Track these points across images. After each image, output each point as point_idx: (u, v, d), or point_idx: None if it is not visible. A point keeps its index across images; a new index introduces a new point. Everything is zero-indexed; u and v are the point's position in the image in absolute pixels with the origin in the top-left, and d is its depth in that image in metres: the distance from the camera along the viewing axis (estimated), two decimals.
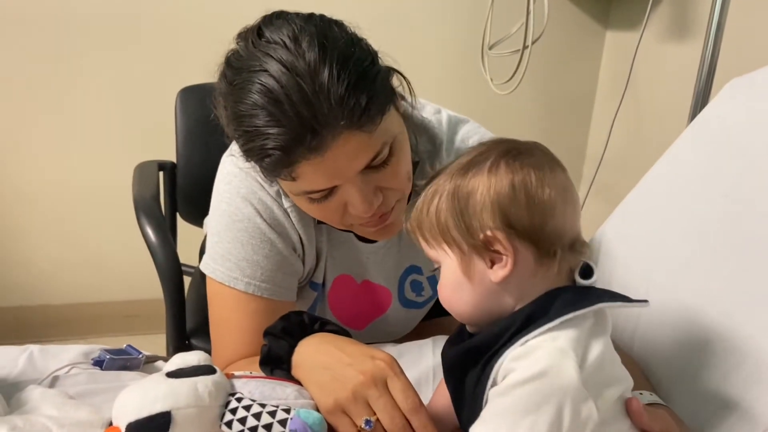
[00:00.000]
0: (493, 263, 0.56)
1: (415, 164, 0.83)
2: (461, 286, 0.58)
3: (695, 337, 0.74)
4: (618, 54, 2.08)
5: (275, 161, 0.65)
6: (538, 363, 0.50)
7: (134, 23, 1.79)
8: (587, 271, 0.58)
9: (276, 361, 0.65)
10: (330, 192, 0.71)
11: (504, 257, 0.56)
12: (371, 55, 0.69)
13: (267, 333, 0.68)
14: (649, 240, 0.89)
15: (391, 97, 0.71)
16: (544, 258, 0.56)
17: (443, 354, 0.64)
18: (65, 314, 2.00)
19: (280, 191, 0.82)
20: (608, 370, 0.55)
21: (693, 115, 1.39)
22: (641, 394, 0.69)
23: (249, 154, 0.69)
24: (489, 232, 0.55)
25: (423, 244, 0.62)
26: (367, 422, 0.57)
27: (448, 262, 0.59)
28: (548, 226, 0.56)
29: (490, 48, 1.90)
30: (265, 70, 0.64)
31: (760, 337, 0.68)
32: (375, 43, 0.72)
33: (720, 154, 0.87)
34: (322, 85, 0.63)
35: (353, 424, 0.59)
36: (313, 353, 0.65)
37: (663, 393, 0.74)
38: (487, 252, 0.56)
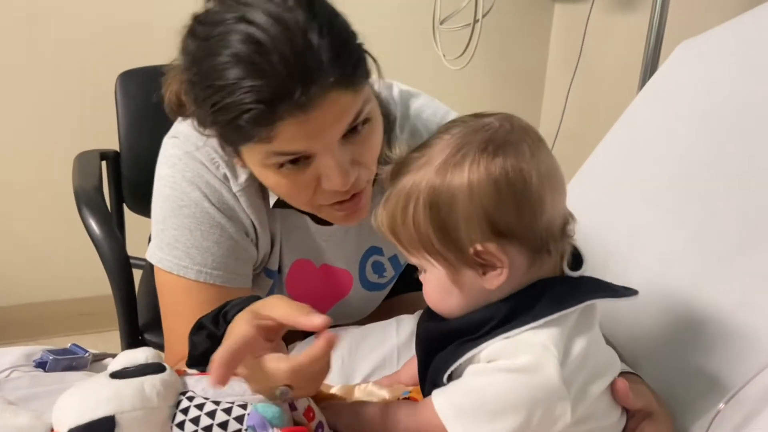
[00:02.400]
0: (485, 272, 0.53)
1: None
2: (450, 293, 0.55)
3: (656, 303, 0.74)
4: (567, 26, 2.08)
5: (256, 117, 0.60)
6: (519, 357, 0.50)
7: (70, 6, 1.70)
8: (577, 261, 0.56)
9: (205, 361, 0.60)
10: (304, 161, 0.66)
11: (499, 268, 0.52)
12: (351, 26, 0.67)
13: (191, 365, 0.62)
14: (607, 206, 0.89)
15: (368, 69, 0.69)
16: (537, 255, 0.53)
17: (419, 325, 0.62)
18: (11, 316, 1.92)
19: (228, 174, 0.77)
20: (592, 364, 0.54)
21: (643, 81, 1.40)
22: None
23: (222, 112, 0.62)
24: (479, 246, 0.51)
25: (401, 249, 0.57)
26: (283, 392, 0.52)
27: (434, 272, 0.55)
28: (539, 222, 0.52)
29: (441, 23, 1.88)
30: (250, 21, 0.60)
31: (722, 297, 0.68)
32: None
33: (673, 116, 0.87)
34: (311, 42, 0.60)
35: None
36: None
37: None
38: (479, 263, 0.53)
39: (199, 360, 0.61)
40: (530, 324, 0.51)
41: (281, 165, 0.66)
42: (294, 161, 0.66)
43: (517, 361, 0.50)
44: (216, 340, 0.60)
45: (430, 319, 0.60)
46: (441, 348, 0.56)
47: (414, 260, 0.57)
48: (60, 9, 1.69)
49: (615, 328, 0.77)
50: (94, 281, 1.62)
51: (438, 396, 0.54)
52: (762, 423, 0.58)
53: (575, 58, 1.92)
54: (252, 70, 0.59)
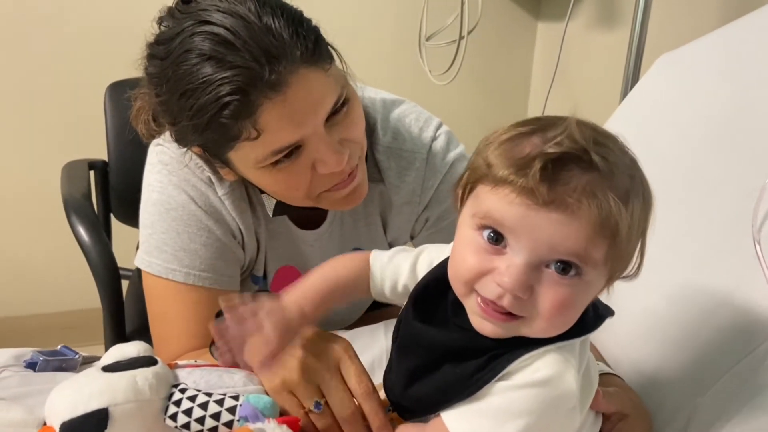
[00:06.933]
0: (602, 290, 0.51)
1: None
2: (578, 308, 0.49)
3: (634, 305, 0.75)
4: (550, 44, 2.13)
5: (236, 110, 0.61)
6: (540, 371, 0.49)
7: (58, 15, 1.70)
8: None
9: None
10: (296, 151, 0.67)
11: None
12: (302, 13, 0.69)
13: (220, 314, 0.65)
14: None
15: (330, 51, 0.70)
16: None
17: (415, 329, 0.56)
18: None
19: (212, 178, 0.78)
20: (588, 375, 0.55)
21: (623, 96, 1.43)
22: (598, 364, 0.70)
23: (201, 114, 0.63)
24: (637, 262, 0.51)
25: (587, 239, 0.46)
26: (317, 405, 0.56)
27: (590, 279, 0.48)
28: None
29: (428, 39, 1.91)
30: (206, 21, 0.62)
31: (698, 298, 0.70)
32: None
33: (653, 126, 0.89)
34: (269, 24, 0.62)
35: (300, 404, 0.57)
36: None
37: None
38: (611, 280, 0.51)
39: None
40: (557, 343, 0.50)
41: (276, 162, 0.68)
42: (287, 155, 0.67)
43: (536, 375, 0.49)
44: None
45: (432, 324, 0.55)
46: (473, 356, 0.51)
47: (587, 262, 0.47)
48: (49, 19, 1.70)
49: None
50: (78, 295, 1.61)
51: (453, 419, 0.52)
52: (738, 416, 0.59)
53: (558, 74, 1.96)
54: (220, 65, 0.61)
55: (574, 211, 0.45)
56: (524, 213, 0.45)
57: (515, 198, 0.45)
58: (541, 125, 0.48)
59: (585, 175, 0.45)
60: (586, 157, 0.45)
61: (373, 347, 0.80)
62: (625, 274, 0.51)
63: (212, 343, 0.64)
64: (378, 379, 0.74)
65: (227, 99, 0.61)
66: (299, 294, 0.60)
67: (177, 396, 0.51)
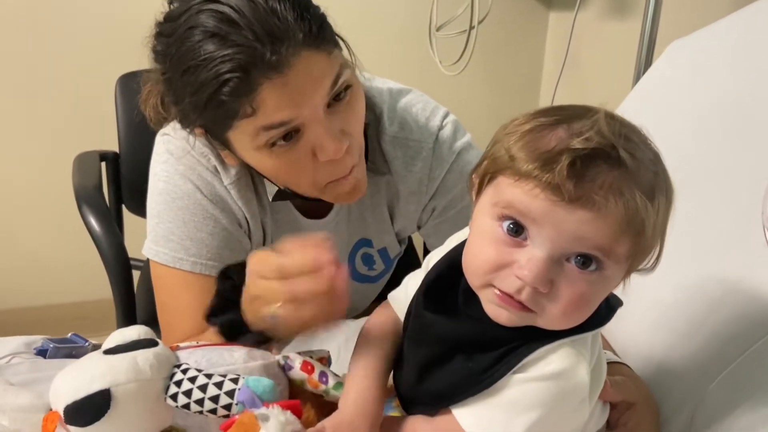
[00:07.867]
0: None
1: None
2: (596, 301, 0.49)
3: (644, 293, 0.74)
4: (561, 34, 2.11)
5: (235, 87, 0.62)
6: (552, 364, 0.49)
7: (69, 7, 1.71)
8: None
9: (237, 332, 0.62)
10: (294, 136, 0.67)
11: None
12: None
13: (209, 315, 0.65)
14: None
15: (335, 37, 0.70)
16: None
17: (429, 320, 0.55)
18: (5, 320, 1.92)
19: (218, 167, 0.79)
20: (598, 366, 0.55)
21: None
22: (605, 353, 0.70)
23: (201, 91, 0.63)
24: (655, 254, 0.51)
25: (612, 235, 0.46)
26: (273, 317, 0.53)
27: (611, 274, 0.48)
28: None
29: (438, 29, 1.90)
30: (213, 0, 0.63)
31: (709, 286, 0.70)
32: None
33: (664, 113, 0.88)
34: (274, 7, 0.63)
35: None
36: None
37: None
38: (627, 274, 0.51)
39: (220, 309, 0.64)
40: (571, 336, 0.50)
41: (273, 144, 0.67)
42: (285, 137, 0.67)
43: (549, 368, 0.49)
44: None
45: (445, 314, 0.55)
46: (489, 349, 0.51)
47: (610, 256, 0.47)
48: (61, 11, 1.71)
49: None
50: (90, 285, 1.62)
51: (464, 413, 0.52)
52: (746, 404, 0.59)
53: (569, 64, 1.94)
54: (223, 42, 0.61)
55: (601, 209, 0.44)
56: (549, 208, 0.45)
57: (539, 193, 0.45)
58: (566, 116, 0.47)
59: (612, 172, 0.44)
60: (614, 153, 0.44)
61: None
62: (641, 267, 0.51)
63: (208, 316, 0.64)
64: None
65: (227, 76, 0.61)
66: (360, 392, 0.56)
67: (178, 376, 0.51)
